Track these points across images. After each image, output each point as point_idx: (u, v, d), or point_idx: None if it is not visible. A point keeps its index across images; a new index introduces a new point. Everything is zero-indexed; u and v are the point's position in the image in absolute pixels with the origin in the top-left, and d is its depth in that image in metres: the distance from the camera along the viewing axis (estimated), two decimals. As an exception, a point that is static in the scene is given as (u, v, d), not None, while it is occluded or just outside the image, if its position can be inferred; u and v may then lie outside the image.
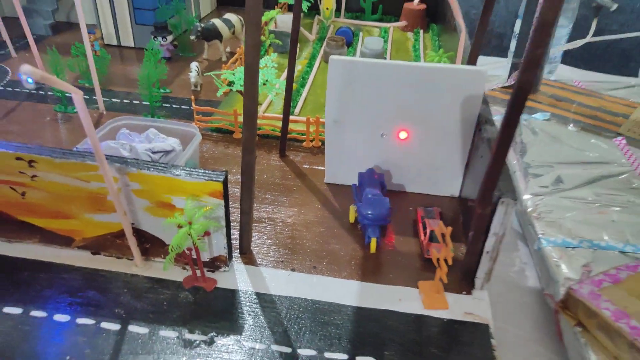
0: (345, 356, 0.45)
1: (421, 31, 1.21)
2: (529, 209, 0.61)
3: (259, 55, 0.45)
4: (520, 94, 0.40)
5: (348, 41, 1.09)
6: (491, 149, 0.46)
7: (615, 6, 0.76)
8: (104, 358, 0.43)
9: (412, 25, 1.23)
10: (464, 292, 0.51)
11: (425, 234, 0.55)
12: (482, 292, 0.51)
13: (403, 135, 0.61)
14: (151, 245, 0.52)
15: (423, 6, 1.22)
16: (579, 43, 0.93)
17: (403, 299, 0.50)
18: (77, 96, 0.40)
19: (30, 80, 0.36)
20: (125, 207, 0.49)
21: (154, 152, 0.57)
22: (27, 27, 0.87)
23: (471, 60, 0.65)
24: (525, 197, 0.64)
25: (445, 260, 0.47)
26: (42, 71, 0.35)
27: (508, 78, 0.90)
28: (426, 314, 0.49)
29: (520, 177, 0.68)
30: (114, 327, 0.46)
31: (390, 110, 0.60)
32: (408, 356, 0.45)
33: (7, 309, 0.47)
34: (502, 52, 0.91)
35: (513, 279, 0.57)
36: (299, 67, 1.00)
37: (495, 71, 0.98)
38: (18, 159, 0.48)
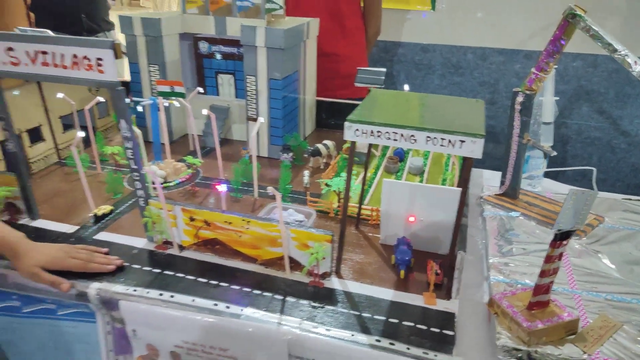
0: (384, 318, 0.97)
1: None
2: (490, 262, 1.13)
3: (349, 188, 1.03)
4: (461, 203, 0.95)
5: (401, 158, 1.67)
6: (454, 229, 1.00)
7: (554, 153, 1.27)
8: (276, 309, 0.99)
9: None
10: (446, 299, 1.03)
11: (430, 271, 1.08)
12: (455, 299, 1.02)
13: (413, 218, 1.16)
14: (294, 264, 1.09)
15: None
16: (540, 171, 1.46)
17: (414, 299, 1.03)
18: (278, 198, 1.00)
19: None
20: (286, 245, 1.07)
21: (296, 221, 1.16)
22: (218, 146, 1.54)
23: (460, 182, 1.20)
24: (490, 256, 1.15)
25: (428, 282, 1.00)
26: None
27: (499, 188, 1.43)
28: (425, 307, 1.01)
29: (493, 246, 1.20)
30: (279, 297, 1.02)
31: (414, 205, 1.15)
32: (413, 321, 0.97)
33: (233, 286, 1.05)
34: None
35: (477, 297, 1.08)
36: (369, 173, 1.59)
37: (494, 182, 1.50)
38: (243, 220, 1.08)
